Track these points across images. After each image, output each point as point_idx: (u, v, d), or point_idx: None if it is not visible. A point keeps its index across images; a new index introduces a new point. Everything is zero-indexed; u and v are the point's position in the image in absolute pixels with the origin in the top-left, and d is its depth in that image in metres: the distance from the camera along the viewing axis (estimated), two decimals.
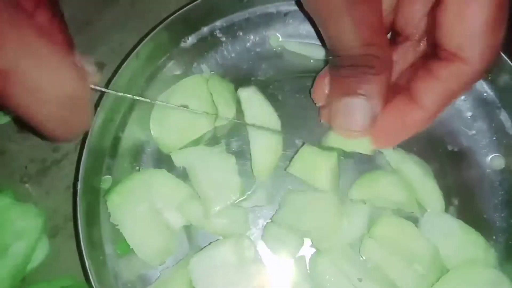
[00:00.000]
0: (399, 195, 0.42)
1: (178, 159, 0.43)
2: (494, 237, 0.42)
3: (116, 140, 0.44)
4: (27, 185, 0.45)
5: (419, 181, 0.42)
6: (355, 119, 0.36)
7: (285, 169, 0.42)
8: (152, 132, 0.44)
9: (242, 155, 0.44)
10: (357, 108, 0.35)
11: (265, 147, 0.43)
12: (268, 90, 0.45)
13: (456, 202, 0.43)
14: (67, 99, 0.30)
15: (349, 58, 0.34)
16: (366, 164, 0.43)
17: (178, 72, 0.46)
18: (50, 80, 0.29)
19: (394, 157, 0.43)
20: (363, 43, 0.33)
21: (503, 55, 0.41)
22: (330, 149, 0.42)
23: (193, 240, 0.42)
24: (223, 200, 0.41)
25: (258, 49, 0.47)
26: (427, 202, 0.42)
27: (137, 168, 0.44)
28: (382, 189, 0.42)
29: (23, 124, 0.39)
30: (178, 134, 0.43)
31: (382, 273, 0.40)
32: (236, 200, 0.41)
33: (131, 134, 0.44)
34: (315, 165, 0.41)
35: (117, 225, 0.40)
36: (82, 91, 0.31)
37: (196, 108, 0.42)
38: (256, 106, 0.44)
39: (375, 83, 0.35)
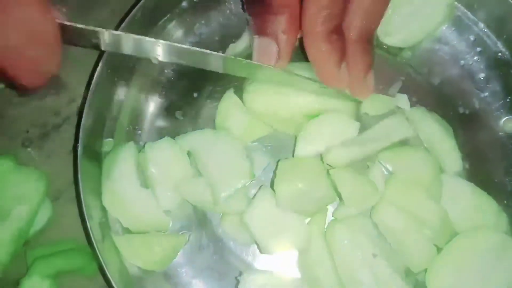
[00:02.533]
0: (427, 172, 0.40)
1: (184, 143, 0.41)
2: (505, 202, 0.41)
3: (118, 103, 0.43)
4: (29, 149, 0.44)
5: (438, 139, 0.41)
6: (266, 56, 0.37)
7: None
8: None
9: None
10: (264, 47, 0.37)
11: None
12: None
13: (467, 165, 0.42)
14: (31, 34, 0.28)
15: None
16: None
17: (180, 33, 0.45)
18: (10, 13, 0.27)
19: (415, 114, 0.42)
20: None
21: None
22: None
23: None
24: (233, 185, 0.39)
25: None
26: (445, 162, 0.41)
27: (139, 131, 0.43)
28: (410, 163, 0.40)
29: (23, 89, 0.38)
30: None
31: (393, 241, 0.39)
32: (246, 184, 0.40)
33: (132, 97, 0.43)
34: None
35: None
36: (47, 25, 0.29)
37: None
38: None
39: (277, 23, 0.36)
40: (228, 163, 0.40)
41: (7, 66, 0.29)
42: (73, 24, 0.33)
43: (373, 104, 0.41)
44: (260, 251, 0.40)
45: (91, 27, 0.33)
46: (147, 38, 0.35)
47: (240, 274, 0.40)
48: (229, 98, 0.42)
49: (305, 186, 0.38)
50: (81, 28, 0.33)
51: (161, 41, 0.35)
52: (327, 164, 0.40)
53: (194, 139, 0.41)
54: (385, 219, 0.39)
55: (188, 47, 0.36)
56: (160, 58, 0.37)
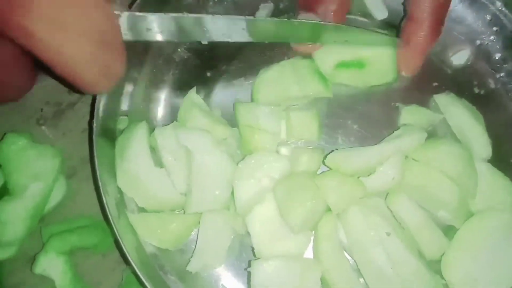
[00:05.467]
0: (456, 166, 0.39)
1: (183, 137, 0.40)
2: None
3: (132, 80, 0.43)
4: (43, 127, 0.44)
5: (467, 125, 0.41)
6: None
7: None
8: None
9: None
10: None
11: None
12: None
13: None
14: (97, 35, 0.27)
15: None
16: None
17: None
18: (76, 13, 0.26)
19: (444, 99, 0.41)
20: None
21: None
22: None
23: None
24: (205, 206, 0.39)
25: None
26: (474, 148, 0.40)
27: (153, 109, 0.44)
28: (441, 157, 0.39)
29: (38, 65, 0.38)
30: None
31: (407, 229, 0.39)
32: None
33: (146, 75, 0.43)
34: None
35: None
36: (114, 25, 0.28)
37: None
38: None
39: (329, 3, 0.37)
40: (212, 181, 0.39)
41: (76, 74, 0.28)
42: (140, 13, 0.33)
43: (413, 116, 0.41)
44: (254, 255, 0.39)
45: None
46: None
47: (249, 265, 0.39)
48: (191, 99, 0.42)
49: (313, 204, 0.38)
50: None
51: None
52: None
53: (194, 138, 0.40)
54: (399, 210, 0.39)
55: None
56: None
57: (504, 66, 0.43)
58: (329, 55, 0.42)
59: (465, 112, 0.41)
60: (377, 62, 0.42)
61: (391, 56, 0.41)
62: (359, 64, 0.42)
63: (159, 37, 0.37)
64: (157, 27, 0.35)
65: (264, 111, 0.40)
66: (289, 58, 0.43)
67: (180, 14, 0.35)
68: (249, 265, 0.38)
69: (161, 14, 0.34)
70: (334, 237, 0.39)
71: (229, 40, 0.38)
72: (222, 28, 0.37)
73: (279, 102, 0.41)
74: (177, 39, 0.37)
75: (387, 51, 0.41)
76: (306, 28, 0.38)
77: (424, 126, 0.41)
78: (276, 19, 0.37)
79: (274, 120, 0.40)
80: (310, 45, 0.41)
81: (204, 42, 0.38)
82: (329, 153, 0.39)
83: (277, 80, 0.42)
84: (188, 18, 0.35)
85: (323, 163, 0.40)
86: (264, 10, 0.44)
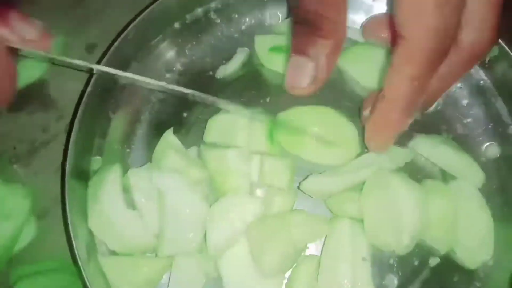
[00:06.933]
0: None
1: (156, 179, 0.39)
2: None
3: (107, 120, 0.43)
4: (15, 165, 0.44)
5: (455, 159, 0.42)
6: (302, 76, 0.36)
7: None
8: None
9: None
10: (301, 67, 0.36)
11: None
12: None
13: None
14: None
15: (302, 13, 0.34)
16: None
17: (171, 54, 0.45)
18: None
19: (424, 144, 0.42)
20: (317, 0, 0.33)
21: (501, 42, 0.41)
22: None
23: None
24: (177, 249, 0.39)
25: (253, 31, 0.46)
26: (468, 177, 0.42)
27: (128, 150, 0.44)
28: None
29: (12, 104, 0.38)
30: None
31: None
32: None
33: (122, 115, 0.44)
34: None
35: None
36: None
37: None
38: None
39: (321, 47, 0.34)
40: (184, 222, 0.39)
41: None
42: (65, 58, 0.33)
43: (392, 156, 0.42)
44: None
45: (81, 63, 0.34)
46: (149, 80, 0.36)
47: None
48: (166, 140, 0.42)
49: (286, 248, 0.38)
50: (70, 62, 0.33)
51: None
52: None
53: (168, 180, 0.39)
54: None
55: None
56: None
57: (471, 111, 0.45)
58: (267, 39, 0.44)
59: (447, 148, 0.42)
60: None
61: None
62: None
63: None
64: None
65: (232, 154, 0.40)
66: (265, 101, 0.44)
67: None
68: None
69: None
70: (308, 282, 0.39)
71: None
72: None
73: (225, 144, 0.41)
74: None
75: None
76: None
77: (399, 164, 0.42)
78: None
79: (244, 162, 0.40)
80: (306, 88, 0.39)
81: None
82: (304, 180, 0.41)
83: (229, 125, 0.42)
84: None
85: (298, 187, 0.41)
86: (241, 54, 0.45)
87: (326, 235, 0.40)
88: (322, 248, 0.40)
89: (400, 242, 0.38)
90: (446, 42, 0.32)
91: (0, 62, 0.29)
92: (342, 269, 0.38)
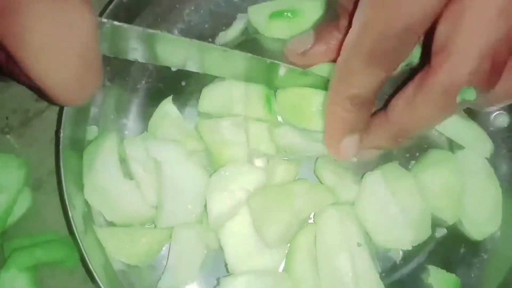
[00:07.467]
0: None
1: (153, 148, 0.38)
2: None
3: (103, 89, 0.41)
4: (8, 136, 0.43)
5: (463, 128, 0.40)
6: (301, 42, 0.40)
7: None
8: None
9: None
10: (306, 37, 0.40)
11: None
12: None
13: None
14: (80, 57, 0.26)
15: None
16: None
17: (169, 19, 0.44)
18: (63, 39, 0.25)
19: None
20: None
21: None
22: None
23: None
24: (177, 220, 0.38)
25: None
26: (477, 146, 0.40)
27: (124, 120, 0.42)
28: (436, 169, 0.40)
29: (4, 73, 0.36)
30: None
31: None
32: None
33: (118, 83, 0.42)
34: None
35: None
36: (95, 45, 0.27)
37: None
38: None
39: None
40: (183, 193, 0.38)
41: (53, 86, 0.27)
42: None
43: None
44: (227, 270, 0.38)
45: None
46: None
47: (218, 283, 0.38)
48: (164, 109, 0.41)
49: (289, 218, 0.37)
50: None
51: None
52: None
53: (165, 150, 0.38)
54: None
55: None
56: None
57: None
58: (263, 8, 0.43)
59: (455, 117, 0.40)
60: None
61: None
62: (292, 12, 0.42)
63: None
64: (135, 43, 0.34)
65: (226, 124, 0.39)
66: None
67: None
68: (218, 283, 0.36)
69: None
70: (308, 249, 0.38)
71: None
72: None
73: (221, 114, 0.40)
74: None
75: None
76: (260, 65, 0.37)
77: None
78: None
79: (238, 131, 0.39)
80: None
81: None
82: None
83: (225, 94, 0.40)
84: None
85: (314, 172, 0.40)
86: (241, 20, 0.44)
87: (316, 229, 0.38)
88: (315, 242, 0.38)
89: (405, 239, 0.38)
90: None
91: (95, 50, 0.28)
92: (340, 261, 0.37)
